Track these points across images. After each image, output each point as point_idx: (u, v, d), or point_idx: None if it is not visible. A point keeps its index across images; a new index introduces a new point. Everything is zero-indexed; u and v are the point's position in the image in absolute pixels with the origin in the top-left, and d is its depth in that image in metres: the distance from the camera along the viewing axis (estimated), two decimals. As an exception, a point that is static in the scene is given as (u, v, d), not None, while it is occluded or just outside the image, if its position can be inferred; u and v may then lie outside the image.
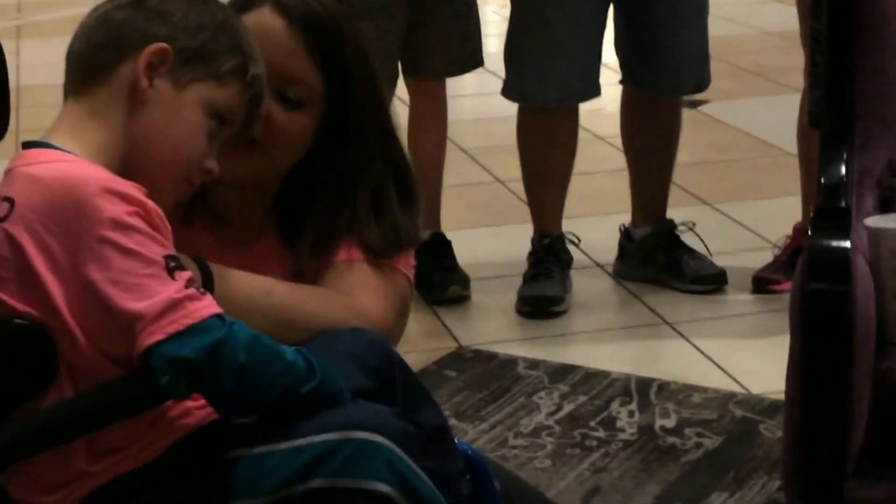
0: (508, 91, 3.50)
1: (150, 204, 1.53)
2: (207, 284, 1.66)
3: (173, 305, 1.46)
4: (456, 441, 1.80)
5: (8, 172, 1.58)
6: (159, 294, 1.46)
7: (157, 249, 1.50)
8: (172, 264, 1.49)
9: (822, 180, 2.23)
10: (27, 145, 1.62)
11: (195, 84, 1.64)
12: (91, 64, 1.64)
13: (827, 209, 2.04)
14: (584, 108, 3.55)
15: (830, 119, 2.34)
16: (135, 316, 1.46)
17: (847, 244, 1.91)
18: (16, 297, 1.52)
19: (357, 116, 1.87)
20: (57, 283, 1.51)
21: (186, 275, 1.50)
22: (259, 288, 1.75)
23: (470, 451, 1.82)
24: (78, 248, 1.49)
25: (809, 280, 1.86)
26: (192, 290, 1.48)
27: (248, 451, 1.53)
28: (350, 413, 1.55)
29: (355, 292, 1.82)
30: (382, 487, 1.50)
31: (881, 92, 2.32)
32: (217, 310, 1.49)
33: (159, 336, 1.45)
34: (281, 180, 1.88)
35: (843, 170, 2.24)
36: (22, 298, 1.52)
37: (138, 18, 1.64)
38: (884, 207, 2.22)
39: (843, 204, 2.06)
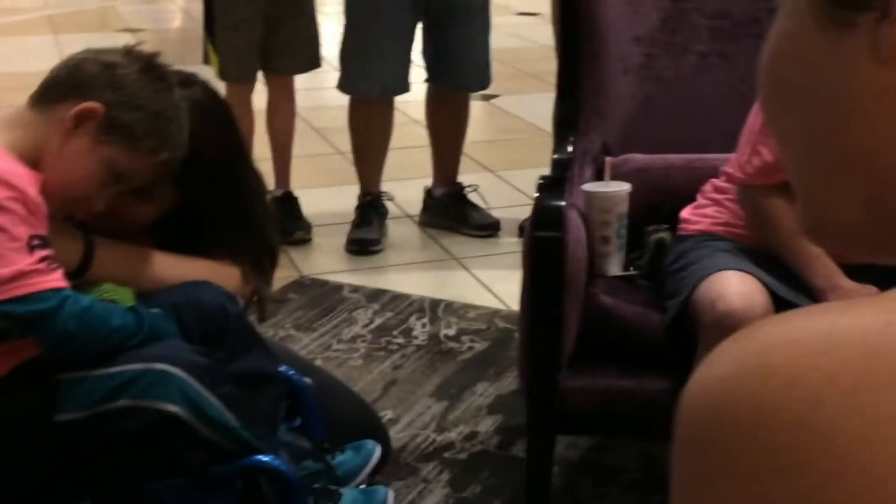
0: (342, 86, 3.45)
1: (31, 194, 1.45)
2: (88, 253, 1.61)
3: (21, 275, 1.41)
4: (283, 368, 1.75)
5: None
6: (14, 265, 1.41)
7: (24, 230, 1.43)
8: (35, 243, 1.43)
9: (554, 156, 2.26)
10: None
11: (108, 145, 1.54)
12: (50, 89, 1.56)
13: (551, 178, 2.06)
14: (404, 99, 3.52)
15: (562, 111, 2.36)
16: None
17: (563, 203, 1.93)
18: None
19: (208, 202, 1.75)
20: None
21: (43, 253, 1.43)
22: (139, 257, 1.68)
23: (295, 377, 1.78)
24: None
25: (534, 230, 1.88)
26: (42, 266, 1.42)
27: (74, 375, 1.49)
28: (154, 349, 1.50)
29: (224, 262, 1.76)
30: (173, 408, 1.47)
31: (599, 91, 2.35)
32: (58, 285, 1.43)
33: (3, 296, 1.41)
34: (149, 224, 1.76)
35: (570, 149, 2.27)
36: None
37: (100, 78, 1.54)
38: (598, 177, 2.26)
39: (563, 174, 2.09)
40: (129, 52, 1.59)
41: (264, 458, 1.51)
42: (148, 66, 1.57)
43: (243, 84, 3.37)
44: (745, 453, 0.40)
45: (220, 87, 3.19)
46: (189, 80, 1.72)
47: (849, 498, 0.38)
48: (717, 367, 0.42)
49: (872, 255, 0.53)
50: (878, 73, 0.46)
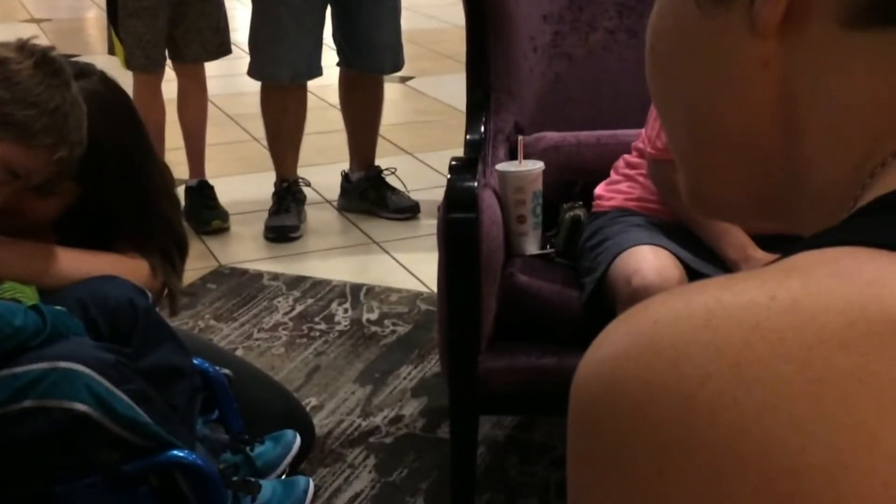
0: (252, 72, 3.41)
1: None
2: None
3: None
4: (197, 361, 1.73)
5: None
6: None
7: None
8: None
9: (467, 137, 2.25)
10: None
11: (3, 144, 1.48)
12: None
13: (462, 159, 2.05)
14: (320, 82, 3.49)
15: (472, 92, 2.35)
16: None
17: (475, 184, 1.92)
18: None
19: (110, 192, 1.72)
20: None
21: None
22: (41, 254, 1.63)
23: (211, 370, 1.75)
24: None
25: (447, 211, 1.88)
26: None
27: None
28: (59, 347, 1.47)
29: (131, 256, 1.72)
30: (80, 406, 1.44)
31: (508, 71, 2.34)
32: None
33: None
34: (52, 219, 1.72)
35: (483, 129, 2.27)
36: None
37: None
38: (511, 156, 2.26)
39: (476, 155, 2.08)
40: (22, 47, 1.53)
41: (179, 453, 1.49)
42: (42, 60, 1.51)
43: (151, 73, 3.31)
44: (635, 431, 0.40)
45: (128, 77, 3.14)
46: (85, 71, 1.67)
47: (741, 470, 0.38)
48: (605, 346, 0.42)
49: (762, 225, 0.53)
50: (757, 46, 0.46)
